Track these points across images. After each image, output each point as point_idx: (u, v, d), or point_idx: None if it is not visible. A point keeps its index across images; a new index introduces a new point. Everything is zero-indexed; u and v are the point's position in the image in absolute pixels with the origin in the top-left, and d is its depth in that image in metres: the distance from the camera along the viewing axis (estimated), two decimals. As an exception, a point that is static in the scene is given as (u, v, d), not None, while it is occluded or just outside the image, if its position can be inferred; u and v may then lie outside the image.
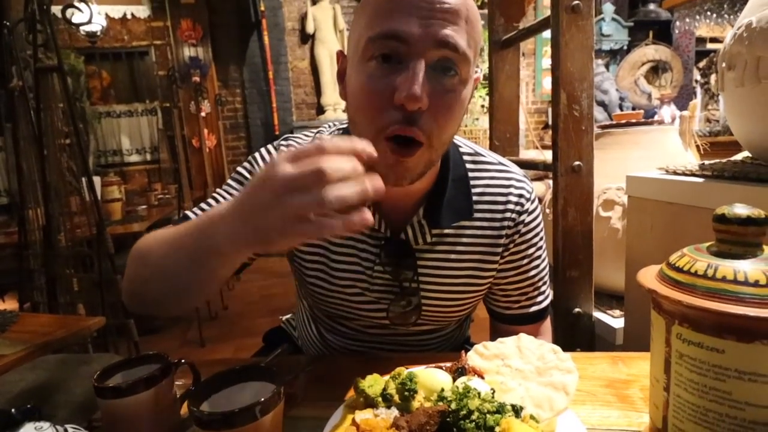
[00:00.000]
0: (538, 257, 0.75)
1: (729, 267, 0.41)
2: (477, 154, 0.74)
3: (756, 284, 0.40)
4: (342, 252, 0.71)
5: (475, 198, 0.70)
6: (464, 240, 0.71)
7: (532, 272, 0.75)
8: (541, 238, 0.76)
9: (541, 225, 0.75)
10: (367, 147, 0.43)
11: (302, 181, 0.41)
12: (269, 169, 0.43)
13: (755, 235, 0.43)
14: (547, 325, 0.81)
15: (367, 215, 0.42)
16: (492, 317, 0.82)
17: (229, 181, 0.73)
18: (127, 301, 0.63)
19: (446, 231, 0.70)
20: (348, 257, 0.71)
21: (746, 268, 0.41)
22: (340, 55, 0.65)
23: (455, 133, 0.64)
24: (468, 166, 0.72)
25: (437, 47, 0.54)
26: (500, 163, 0.74)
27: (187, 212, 0.71)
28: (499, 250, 0.72)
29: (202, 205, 0.72)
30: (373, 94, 0.55)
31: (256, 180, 0.45)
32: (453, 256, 0.71)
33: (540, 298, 0.77)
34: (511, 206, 0.71)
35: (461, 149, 0.74)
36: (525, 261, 0.74)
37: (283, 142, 0.74)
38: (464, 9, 0.55)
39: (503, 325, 0.79)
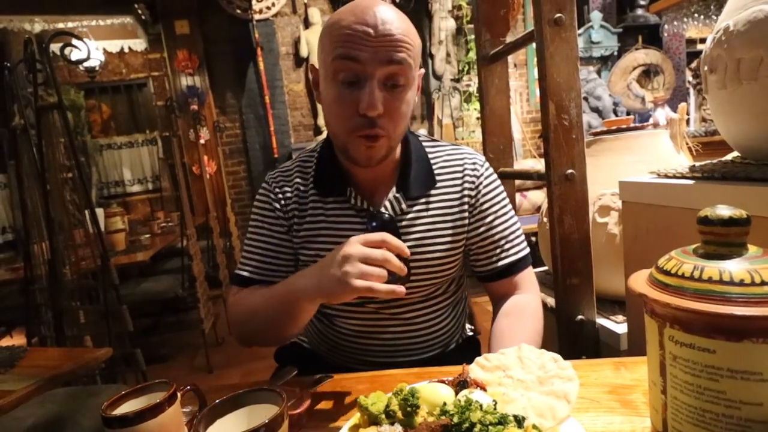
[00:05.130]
0: (504, 213, 0.89)
1: (715, 268, 0.42)
2: (434, 140, 0.92)
3: (741, 283, 0.40)
4: (338, 227, 0.85)
5: (436, 171, 0.87)
6: (434, 206, 0.86)
7: (501, 226, 0.88)
8: (504, 198, 0.90)
9: (501, 188, 0.90)
10: (404, 249, 0.66)
11: (371, 255, 0.63)
12: (348, 246, 0.65)
13: (738, 235, 0.44)
14: (529, 274, 0.90)
15: (401, 289, 0.63)
16: (480, 280, 0.92)
17: (252, 223, 0.91)
18: (239, 340, 0.86)
19: (417, 201, 0.85)
20: (344, 233, 0.83)
21: (732, 268, 0.42)
22: (313, 67, 0.83)
23: (408, 125, 0.83)
24: (427, 149, 0.89)
25: (385, 65, 0.72)
26: (454, 145, 0.92)
27: (241, 272, 0.88)
28: (466, 207, 0.86)
29: (244, 254, 0.89)
30: (343, 109, 0.75)
31: (336, 251, 0.66)
32: (427, 220, 0.85)
33: (514, 251, 0.88)
34: (468, 172, 0.87)
35: (420, 137, 0.91)
36: (491, 217, 0.87)
37: (271, 180, 0.90)
38: (402, 29, 0.72)
39: (490, 284, 0.91)
